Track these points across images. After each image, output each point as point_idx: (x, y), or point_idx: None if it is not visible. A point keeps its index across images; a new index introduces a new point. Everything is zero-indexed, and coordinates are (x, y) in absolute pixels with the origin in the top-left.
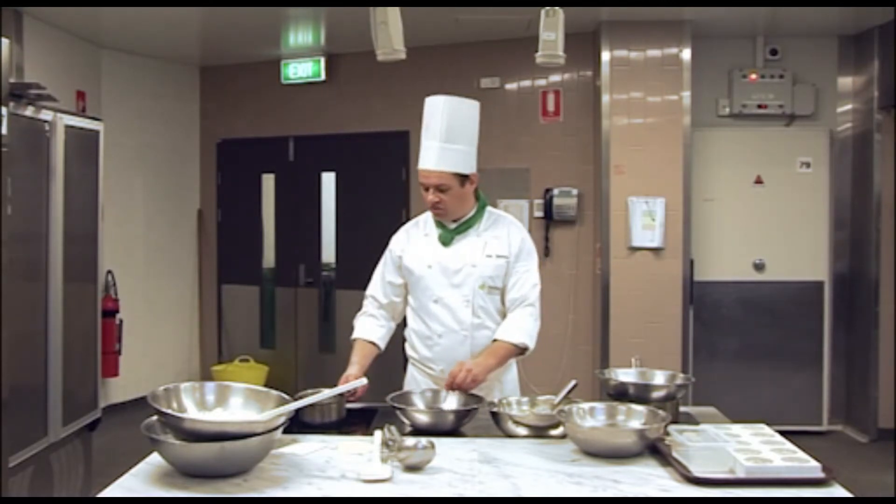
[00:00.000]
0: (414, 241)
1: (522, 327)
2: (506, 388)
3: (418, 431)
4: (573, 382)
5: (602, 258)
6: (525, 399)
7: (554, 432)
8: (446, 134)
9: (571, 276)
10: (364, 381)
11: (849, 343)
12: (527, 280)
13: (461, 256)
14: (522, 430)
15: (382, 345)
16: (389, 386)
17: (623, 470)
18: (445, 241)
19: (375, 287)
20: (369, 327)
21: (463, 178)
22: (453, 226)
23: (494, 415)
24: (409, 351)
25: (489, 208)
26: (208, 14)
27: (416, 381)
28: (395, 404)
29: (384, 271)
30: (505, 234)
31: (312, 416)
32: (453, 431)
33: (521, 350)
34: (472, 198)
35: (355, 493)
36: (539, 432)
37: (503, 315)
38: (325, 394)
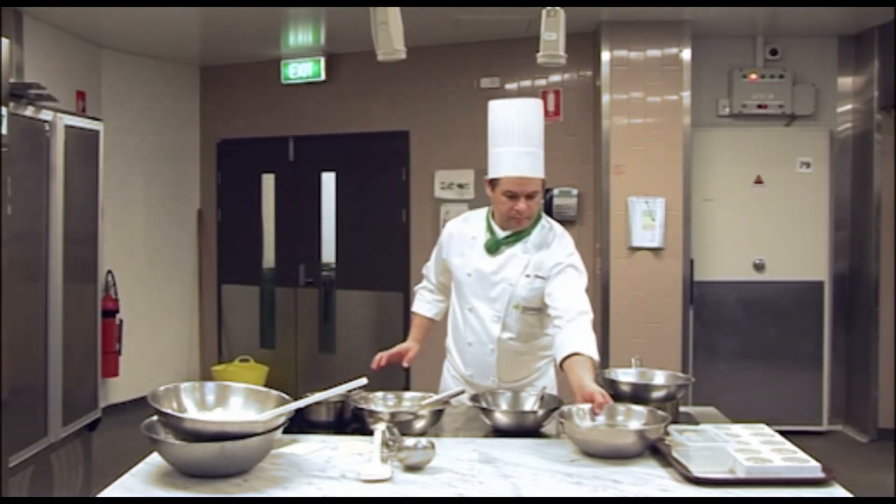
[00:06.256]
0: (459, 240)
1: (593, 343)
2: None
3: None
4: (459, 388)
5: (602, 258)
6: (391, 396)
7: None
8: (537, 140)
9: None
10: (364, 380)
11: (849, 343)
12: (577, 288)
13: (502, 271)
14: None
15: (439, 318)
16: (390, 386)
17: (623, 470)
18: (491, 248)
19: (430, 267)
20: (426, 303)
21: (543, 185)
22: (503, 234)
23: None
24: (447, 343)
25: (544, 218)
26: (208, 14)
27: (446, 382)
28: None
29: (437, 255)
30: (550, 254)
31: (320, 415)
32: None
33: None
34: None
35: (355, 493)
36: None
37: (535, 331)
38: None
